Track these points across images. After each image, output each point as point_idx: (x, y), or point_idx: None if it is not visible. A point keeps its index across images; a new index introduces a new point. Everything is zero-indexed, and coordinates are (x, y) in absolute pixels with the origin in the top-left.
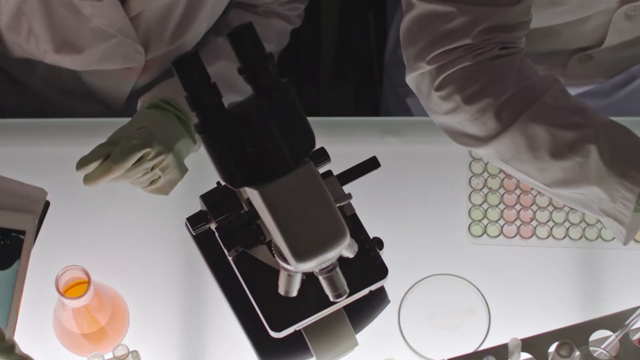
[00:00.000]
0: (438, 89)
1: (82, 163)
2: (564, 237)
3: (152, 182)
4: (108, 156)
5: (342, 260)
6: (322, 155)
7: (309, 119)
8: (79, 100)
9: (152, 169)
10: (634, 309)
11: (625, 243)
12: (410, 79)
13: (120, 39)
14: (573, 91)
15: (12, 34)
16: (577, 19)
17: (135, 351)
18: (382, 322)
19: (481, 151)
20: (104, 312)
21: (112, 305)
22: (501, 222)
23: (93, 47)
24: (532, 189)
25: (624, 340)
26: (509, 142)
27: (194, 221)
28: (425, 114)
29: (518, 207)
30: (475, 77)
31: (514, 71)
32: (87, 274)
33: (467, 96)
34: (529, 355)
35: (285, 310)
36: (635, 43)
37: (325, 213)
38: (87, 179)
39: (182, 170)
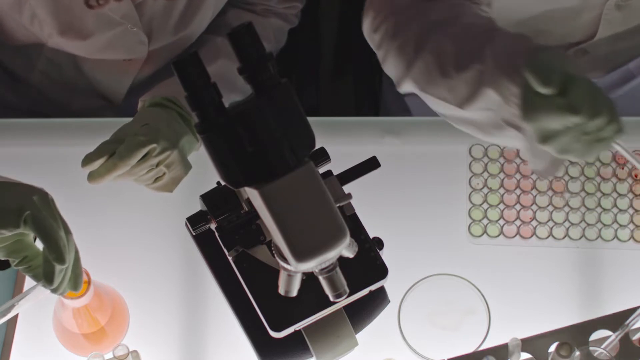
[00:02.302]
0: (375, 29)
1: (87, 160)
2: (564, 237)
3: (157, 180)
4: (113, 154)
5: (342, 260)
6: (322, 155)
7: (309, 119)
8: (78, 94)
9: (158, 165)
10: (634, 309)
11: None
12: (366, 31)
13: (125, 26)
14: None
15: (14, 15)
16: (568, 14)
17: (135, 351)
18: (382, 322)
19: (409, 86)
20: (104, 312)
21: (112, 305)
22: (501, 222)
23: (97, 33)
24: (532, 188)
25: (624, 340)
26: (422, 65)
27: (194, 221)
28: (424, 114)
29: (518, 207)
30: (404, 12)
31: (446, 6)
32: (87, 274)
33: (392, 30)
34: (529, 355)
35: (285, 310)
36: (628, 36)
37: (325, 213)
38: (92, 177)
39: (187, 167)
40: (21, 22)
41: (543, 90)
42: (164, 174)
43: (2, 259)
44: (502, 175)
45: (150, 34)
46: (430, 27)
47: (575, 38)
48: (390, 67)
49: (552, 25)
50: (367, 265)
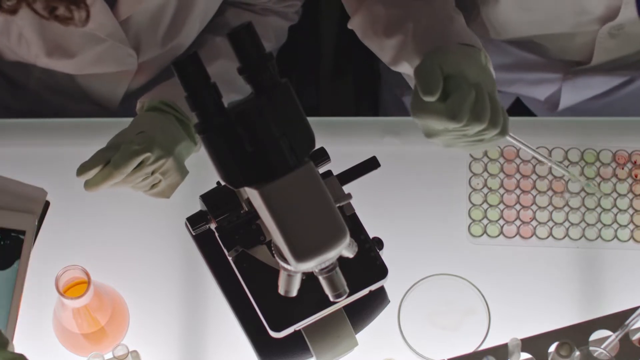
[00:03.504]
0: None
1: (82, 169)
2: (564, 237)
3: (153, 186)
4: (109, 161)
5: (342, 260)
6: (322, 155)
7: (309, 119)
8: (74, 101)
9: (153, 173)
10: (634, 309)
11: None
12: None
13: (111, 43)
14: (575, 98)
15: (2, 39)
16: (561, 35)
17: (135, 351)
18: (382, 322)
19: (353, 28)
20: (104, 312)
21: (112, 305)
22: (501, 222)
23: (84, 51)
24: (532, 188)
25: (624, 340)
26: (360, 19)
27: (194, 221)
28: None
29: (518, 207)
30: None
31: None
32: (87, 274)
33: None
34: (529, 355)
35: (285, 310)
36: (627, 58)
37: (325, 213)
38: (88, 185)
39: (183, 173)
40: (9, 46)
41: (424, 97)
42: (160, 181)
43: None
44: (502, 175)
45: (138, 48)
46: None
47: (572, 57)
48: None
49: (549, 43)
50: (367, 265)
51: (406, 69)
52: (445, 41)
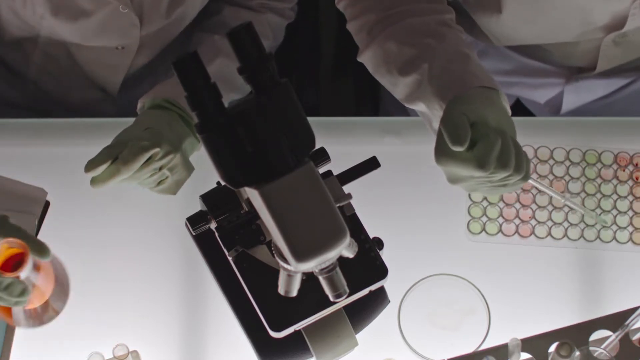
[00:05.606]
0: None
1: (90, 165)
2: (563, 237)
3: (160, 183)
4: (116, 158)
5: (342, 260)
6: (322, 155)
7: (309, 119)
8: (75, 87)
9: (161, 169)
10: (634, 309)
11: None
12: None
13: (115, 5)
14: (578, 101)
15: (7, 0)
16: (565, 43)
17: (135, 351)
18: (382, 322)
19: (364, 61)
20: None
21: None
22: (500, 220)
23: (89, 14)
24: (532, 187)
25: (624, 340)
26: (371, 54)
27: (194, 221)
28: None
29: (517, 205)
30: None
31: None
32: (24, 247)
33: (351, 14)
34: (529, 355)
35: (285, 310)
36: (629, 65)
37: (325, 213)
38: (95, 181)
39: (189, 169)
40: (14, 8)
41: (453, 147)
42: (167, 177)
43: None
44: None
45: (141, 16)
46: (382, 20)
47: (575, 63)
48: (356, 39)
49: (553, 49)
50: (367, 265)
51: (421, 107)
52: (464, 86)
